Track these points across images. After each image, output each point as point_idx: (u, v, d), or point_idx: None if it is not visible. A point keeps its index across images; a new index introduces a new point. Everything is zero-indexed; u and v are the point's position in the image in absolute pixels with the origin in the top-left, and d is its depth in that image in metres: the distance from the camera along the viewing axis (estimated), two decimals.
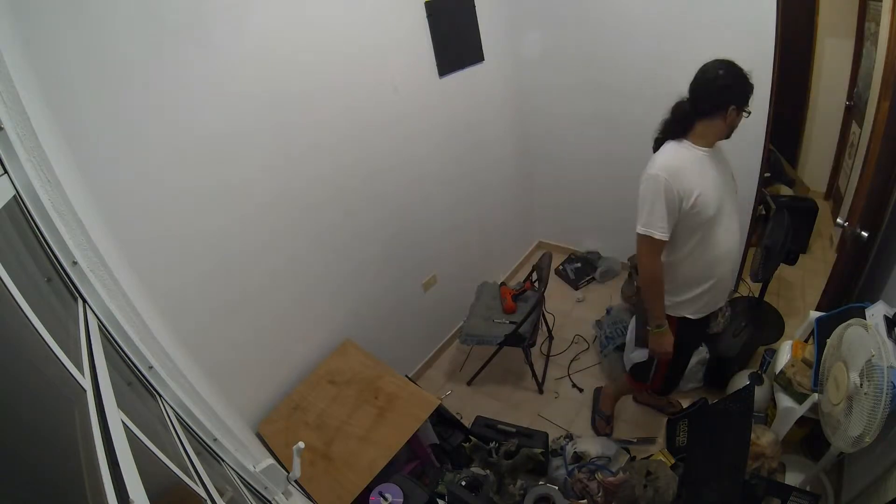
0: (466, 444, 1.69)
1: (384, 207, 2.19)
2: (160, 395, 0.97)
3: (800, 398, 1.70)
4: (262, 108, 1.61)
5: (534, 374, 2.48)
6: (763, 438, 1.71)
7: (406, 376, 1.88)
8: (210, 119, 1.47)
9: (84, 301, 0.85)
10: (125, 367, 0.91)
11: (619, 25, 2.39)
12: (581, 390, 2.45)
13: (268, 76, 1.60)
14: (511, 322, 2.37)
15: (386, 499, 1.41)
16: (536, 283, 2.58)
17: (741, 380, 2.10)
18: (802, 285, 2.88)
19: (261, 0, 1.52)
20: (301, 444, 1.24)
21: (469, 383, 2.56)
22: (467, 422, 2.18)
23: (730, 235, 1.58)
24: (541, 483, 1.90)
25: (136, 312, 0.98)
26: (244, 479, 1.13)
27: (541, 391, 2.48)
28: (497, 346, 2.35)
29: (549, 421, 2.32)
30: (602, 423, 2.22)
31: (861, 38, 2.96)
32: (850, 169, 2.96)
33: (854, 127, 3.02)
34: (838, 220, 1.91)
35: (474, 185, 2.73)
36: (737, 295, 2.72)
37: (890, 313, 1.49)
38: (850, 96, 3.13)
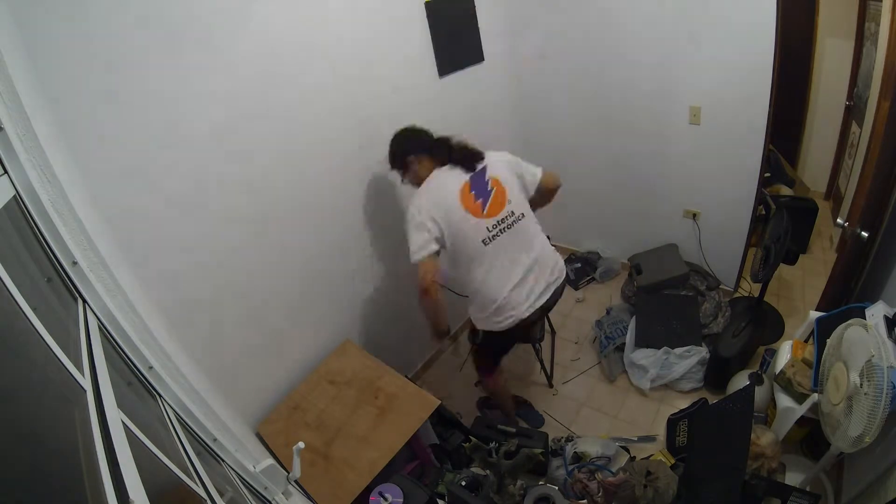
0: (466, 444, 1.69)
1: (384, 207, 2.19)
2: (160, 395, 0.97)
3: (800, 398, 1.70)
4: (264, 109, 1.61)
5: (543, 369, 2.49)
6: (763, 438, 1.71)
7: (406, 376, 1.88)
8: (212, 120, 1.47)
9: (84, 301, 0.85)
10: (125, 367, 0.91)
11: (619, 26, 2.39)
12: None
13: (268, 77, 1.59)
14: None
15: (386, 499, 1.41)
16: None
17: (741, 380, 2.10)
18: (802, 285, 2.88)
19: (261, 1, 1.53)
20: (301, 444, 1.24)
21: (477, 384, 2.56)
22: (467, 422, 2.18)
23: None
24: (541, 483, 1.90)
25: (136, 312, 0.98)
26: (244, 479, 1.13)
27: (550, 384, 2.50)
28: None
29: (551, 416, 2.33)
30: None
31: (861, 38, 2.96)
32: (850, 169, 2.97)
33: (854, 127, 3.02)
34: (838, 220, 1.91)
35: None
36: (737, 295, 2.72)
37: (890, 313, 1.49)
38: (850, 96, 3.13)
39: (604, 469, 1.89)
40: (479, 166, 1.73)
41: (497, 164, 1.77)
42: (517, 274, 1.74)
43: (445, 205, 1.67)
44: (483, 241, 1.69)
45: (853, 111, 3.08)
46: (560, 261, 1.93)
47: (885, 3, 2.32)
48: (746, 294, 2.69)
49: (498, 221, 1.70)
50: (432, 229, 1.66)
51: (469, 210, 1.67)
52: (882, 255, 1.85)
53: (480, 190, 1.70)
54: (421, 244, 1.66)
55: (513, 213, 1.73)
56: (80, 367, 0.69)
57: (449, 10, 2.23)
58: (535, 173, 1.85)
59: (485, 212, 1.69)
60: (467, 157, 1.72)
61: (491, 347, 2.05)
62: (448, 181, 1.70)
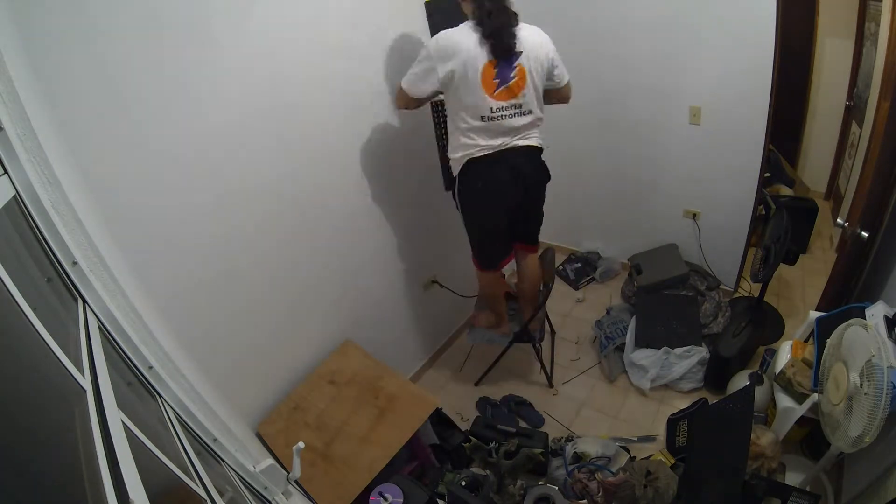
0: (466, 444, 1.70)
1: (384, 208, 2.19)
2: (160, 395, 0.97)
3: (800, 398, 1.70)
4: (263, 109, 1.61)
5: (542, 369, 2.50)
6: (763, 438, 1.71)
7: (406, 377, 1.88)
8: (212, 121, 1.47)
9: (84, 301, 0.85)
10: (125, 367, 0.91)
11: (618, 25, 2.39)
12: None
13: (267, 77, 1.59)
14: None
15: (386, 499, 1.41)
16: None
17: (741, 380, 2.10)
18: (802, 285, 2.88)
19: (260, 2, 1.53)
20: (301, 444, 1.24)
21: (477, 384, 2.56)
22: (467, 422, 2.18)
23: None
24: (541, 483, 1.90)
25: (136, 312, 0.98)
26: (244, 479, 1.13)
27: (550, 384, 2.50)
28: (507, 344, 2.36)
29: (551, 416, 2.33)
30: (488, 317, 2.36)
31: (861, 38, 2.96)
32: (850, 169, 2.97)
33: (854, 127, 3.02)
34: (838, 220, 1.91)
35: None
36: (737, 295, 2.72)
37: (890, 313, 1.49)
38: (850, 96, 3.13)
39: (604, 469, 1.89)
40: (511, 56, 1.68)
41: (532, 54, 1.71)
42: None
43: (467, 63, 1.62)
44: (482, 117, 1.70)
45: (853, 111, 3.08)
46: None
47: (885, 3, 2.32)
48: (746, 294, 2.69)
49: (503, 107, 1.70)
50: (440, 71, 1.64)
51: (483, 85, 1.65)
52: (882, 255, 1.85)
53: (504, 74, 1.67)
54: (419, 77, 1.69)
55: (520, 105, 1.72)
56: (80, 367, 0.69)
57: (449, 10, 2.22)
58: (561, 78, 1.85)
59: (495, 93, 1.68)
60: (505, 49, 1.65)
61: (476, 237, 2.07)
62: (478, 49, 1.63)
